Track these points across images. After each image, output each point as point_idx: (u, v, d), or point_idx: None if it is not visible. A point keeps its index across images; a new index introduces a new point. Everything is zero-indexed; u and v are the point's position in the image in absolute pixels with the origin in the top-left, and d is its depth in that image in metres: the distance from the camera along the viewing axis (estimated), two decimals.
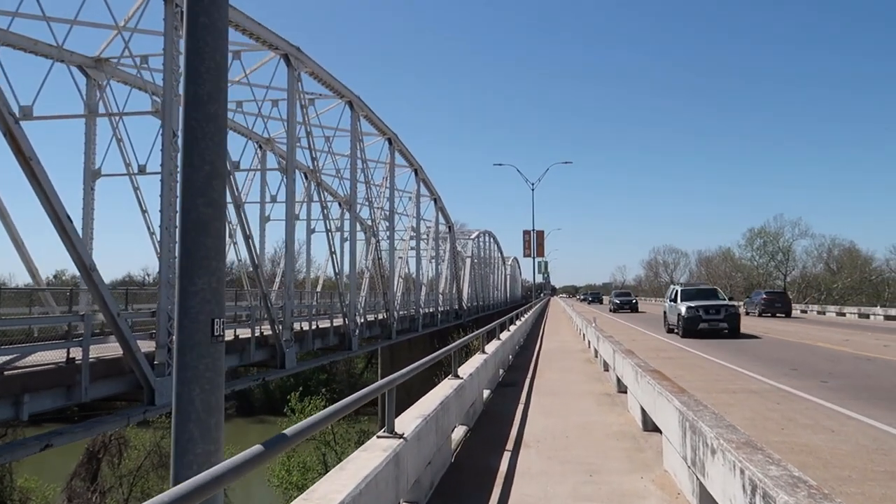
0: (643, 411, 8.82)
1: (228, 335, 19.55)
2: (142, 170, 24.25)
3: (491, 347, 13.28)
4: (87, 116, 20.56)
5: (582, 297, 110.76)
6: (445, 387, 7.62)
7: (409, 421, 5.55)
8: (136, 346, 13.99)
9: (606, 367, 15.22)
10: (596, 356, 18.45)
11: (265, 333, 21.49)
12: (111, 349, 14.55)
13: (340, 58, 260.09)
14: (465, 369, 9.53)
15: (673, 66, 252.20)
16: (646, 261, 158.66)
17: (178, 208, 14.38)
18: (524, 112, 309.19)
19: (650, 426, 8.71)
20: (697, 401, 6.18)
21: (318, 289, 46.43)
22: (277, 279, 38.09)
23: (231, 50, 22.67)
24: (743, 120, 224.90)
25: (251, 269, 24.05)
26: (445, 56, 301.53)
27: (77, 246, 12.31)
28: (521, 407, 11.02)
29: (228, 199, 20.55)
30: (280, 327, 21.54)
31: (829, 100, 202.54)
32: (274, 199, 31.84)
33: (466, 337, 9.44)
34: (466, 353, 19.16)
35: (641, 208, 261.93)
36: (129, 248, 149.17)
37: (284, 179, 23.17)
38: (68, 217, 12.12)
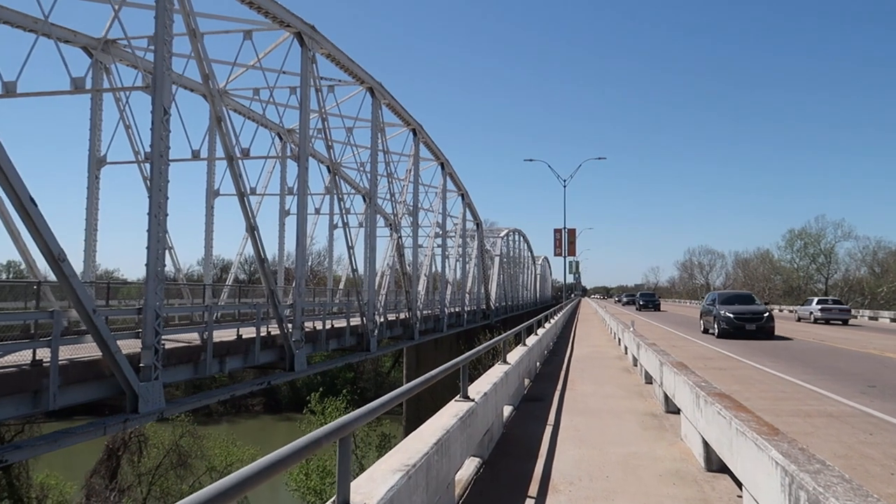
0: (706, 445, 6.89)
1: (229, 334, 18.03)
2: (149, 157, 23.04)
3: (514, 356, 11.40)
4: (90, 93, 19.11)
5: (618, 298, 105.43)
6: (448, 415, 5.79)
7: (381, 478, 3.75)
8: (116, 347, 12.42)
9: (649, 380, 13.25)
10: (635, 365, 16.45)
11: (273, 333, 19.93)
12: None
13: (361, 51, 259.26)
14: (480, 387, 7.68)
15: (713, 69, 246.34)
16: (680, 262, 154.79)
17: (167, 194, 12.77)
18: (556, 113, 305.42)
19: (716, 465, 6.79)
20: (805, 449, 4.27)
21: (341, 286, 44.97)
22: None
23: (241, 29, 21.18)
24: (785, 122, 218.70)
25: (271, 263, 22.49)
26: (474, 52, 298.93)
27: (43, 232, 10.76)
28: (548, 430, 9.13)
29: (233, 189, 19.08)
30: (290, 327, 19.94)
31: (873, 101, 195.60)
32: (292, 192, 30.31)
33: (475, 350, 7.54)
34: (493, 356, 17.35)
35: (676, 209, 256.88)
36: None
37: (299, 168, 21.47)
38: (31, 200, 10.58)
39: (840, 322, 38.19)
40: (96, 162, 22.01)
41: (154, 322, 13.62)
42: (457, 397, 6.69)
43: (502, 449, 8.10)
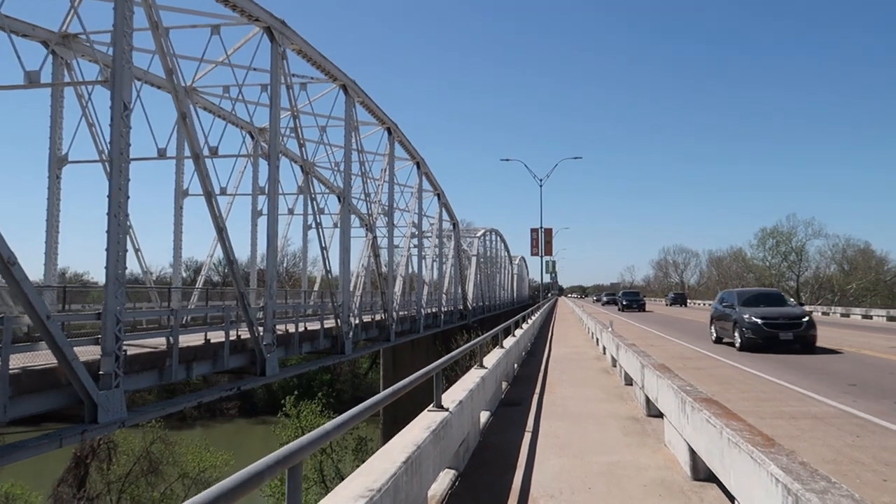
0: (692, 452, 6.55)
1: (198, 339, 17.41)
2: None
3: (492, 359, 11.01)
4: (45, 87, 18.35)
5: (596, 297, 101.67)
6: (419, 427, 5.36)
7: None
8: (73, 354, 11.79)
9: (629, 381, 12.94)
10: (614, 365, 16.16)
11: (243, 337, 19.34)
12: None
13: (332, 45, 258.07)
14: (455, 394, 7.26)
15: (683, 67, 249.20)
16: (655, 261, 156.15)
17: (129, 193, 12.16)
18: (531, 112, 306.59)
19: (703, 473, 6.44)
20: (806, 464, 3.92)
21: (316, 288, 44.26)
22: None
23: (208, 24, 20.54)
24: (754, 120, 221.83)
25: (243, 264, 21.83)
26: (448, 53, 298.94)
27: None
28: (527, 438, 8.74)
29: (199, 188, 18.45)
30: (260, 330, 19.36)
31: (841, 101, 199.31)
32: (263, 192, 29.62)
33: (448, 356, 7.10)
34: (470, 357, 16.84)
35: (651, 208, 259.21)
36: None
37: (269, 166, 20.86)
38: None
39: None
40: (57, 161, 21.19)
41: (115, 327, 12.99)
42: (430, 406, 6.26)
43: (479, 459, 7.69)
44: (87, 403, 12.39)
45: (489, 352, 14.99)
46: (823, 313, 50.61)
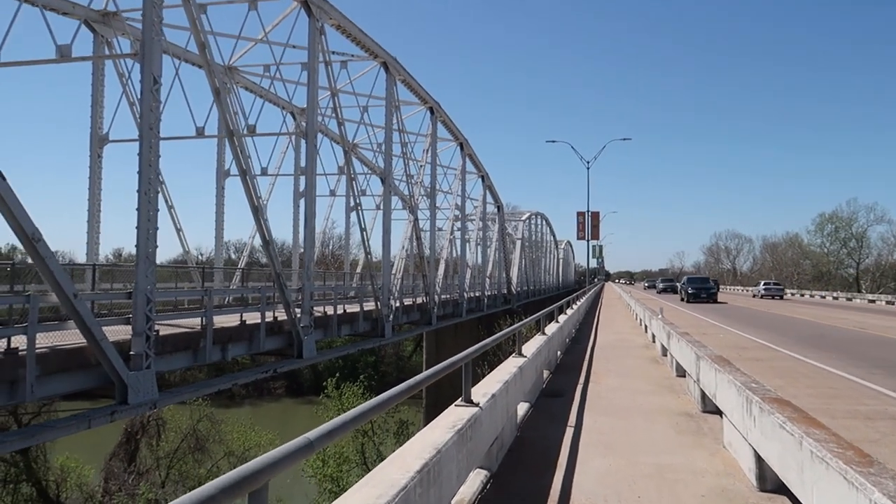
0: (758, 459, 5.72)
1: (233, 320, 17.12)
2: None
3: (532, 347, 10.26)
4: (76, 61, 18.11)
5: (649, 283, 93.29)
6: (443, 427, 4.68)
7: None
8: (102, 334, 11.49)
9: (680, 372, 12.04)
10: (664, 355, 15.23)
11: (280, 319, 19.00)
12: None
13: (372, 22, 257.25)
14: (488, 387, 6.55)
15: (741, 50, 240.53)
16: (706, 246, 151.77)
17: (159, 170, 11.77)
18: (578, 92, 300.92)
19: (772, 484, 5.61)
20: None
21: (358, 270, 44.05)
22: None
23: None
24: (816, 102, 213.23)
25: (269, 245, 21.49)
26: (494, 31, 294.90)
27: (14, 209, 9.81)
28: (569, 434, 8.00)
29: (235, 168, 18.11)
30: (298, 312, 18.99)
31: None
32: (304, 172, 29.27)
33: (479, 345, 6.34)
34: (512, 342, 16.04)
35: (702, 193, 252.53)
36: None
37: (307, 145, 20.42)
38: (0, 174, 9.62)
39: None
40: (98, 140, 21.16)
41: (145, 307, 12.69)
42: (457, 401, 5.57)
43: (515, 457, 6.99)
44: (117, 384, 12.13)
45: (531, 338, 14.25)
46: (888, 302, 48.07)
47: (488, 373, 9.12)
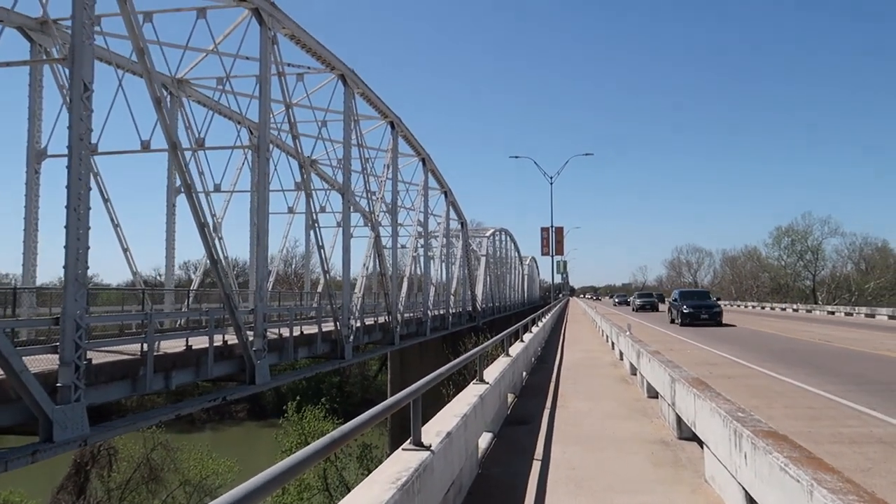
0: (750, 501, 5.01)
1: (178, 345, 16.03)
2: (93, 150, 20.90)
3: (495, 371, 9.49)
4: (6, 66, 16.96)
5: (618, 298, 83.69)
6: (383, 480, 3.85)
7: None
8: (21, 365, 10.40)
9: (652, 393, 11.40)
10: (633, 373, 14.61)
11: (231, 343, 17.93)
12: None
13: (333, 41, 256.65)
14: (443, 423, 5.73)
15: (697, 63, 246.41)
16: (668, 260, 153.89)
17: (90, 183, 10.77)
18: (541, 108, 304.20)
19: None
20: None
21: (319, 289, 42.91)
22: (271, 279, 34.56)
23: (193, 7, 19.22)
24: (771, 117, 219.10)
25: (243, 266, 20.42)
26: (454, 46, 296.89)
27: None
28: (536, 469, 7.21)
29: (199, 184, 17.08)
30: (249, 335, 17.95)
31: (859, 97, 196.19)
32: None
33: (431, 377, 5.47)
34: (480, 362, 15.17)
35: (663, 207, 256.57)
36: (138, 248, 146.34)
37: (258, 159, 19.48)
38: None
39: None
40: (36, 155, 19.92)
41: (74, 334, 11.60)
42: (405, 444, 4.75)
43: (476, 500, 6.18)
44: (40, 420, 11.00)
45: (496, 357, 13.50)
46: (847, 314, 48.64)
47: (453, 395, 8.38)
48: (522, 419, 10.18)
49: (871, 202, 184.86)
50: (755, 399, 10.75)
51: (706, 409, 6.38)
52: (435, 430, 5.28)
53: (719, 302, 38.52)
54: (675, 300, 34.87)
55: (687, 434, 8.30)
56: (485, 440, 8.06)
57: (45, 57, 19.86)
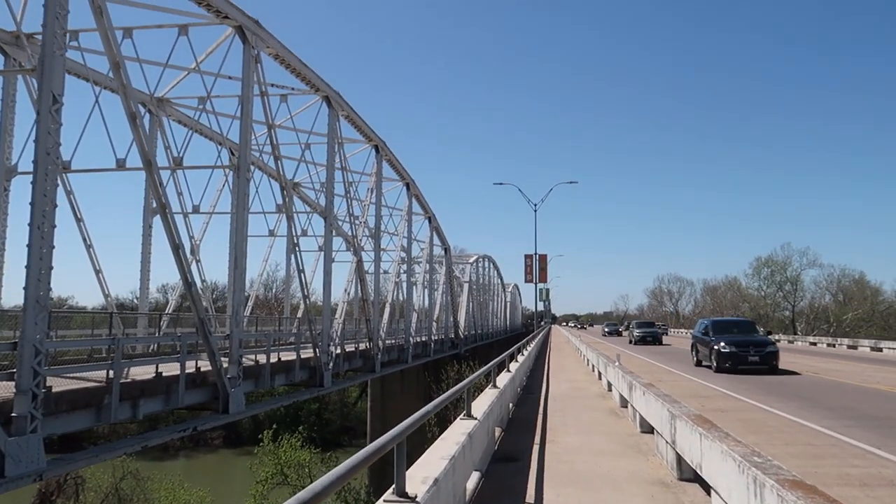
0: None
1: (149, 371, 15.26)
2: (66, 167, 20.22)
3: (483, 405, 8.92)
4: None
5: (609, 327, 77.11)
6: None
7: None
8: None
9: (646, 427, 10.87)
10: (624, 406, 14.08)
11: (204, 369, 17.16)
12: None
13: (318, 63, 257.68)
14: (430, 467, 5.15)
15: (677, 94, 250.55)
16: (650, 289, 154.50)
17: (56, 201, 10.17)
18: (525, 136, 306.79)
19: None
20: None
21: (299, 315, 42.03)
22: (249, 304, 33.72)
23: (175, 24, 18.76)
24: (751, 150, 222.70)
25: (222, 290, 19.74)
26: (439, 74, 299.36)
27: None
28: None
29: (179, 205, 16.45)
30: (224, 362, 17.20)
31: (838, 132, 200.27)
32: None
33: (410, 421, 4.81)
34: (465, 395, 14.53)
35: (645, 236, 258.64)
36: (116, 269, 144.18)
37: (238, 180, 18.91)
38: None
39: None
40: (5, 171, 19.17)
41: (33, 360, 10.84)
42: (387, 494, 4.16)
43: None
44: None
45: (482, 387, 12.93)
46: (829, 345, 48.65)
47: (436, 426, 7.80)
48: (511, 455, 9.58)
49: (848, 235, 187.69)
50: (753, 435, 10.28)
51: (716, 450, 5.86)
52: (421, 476, 4.70)
53: (771, 336, 31.60)
54: (705, 334, 24.76)
55: (688, 475, 7.78)
56: (472, 480, 7.46)
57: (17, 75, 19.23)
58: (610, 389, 17.45)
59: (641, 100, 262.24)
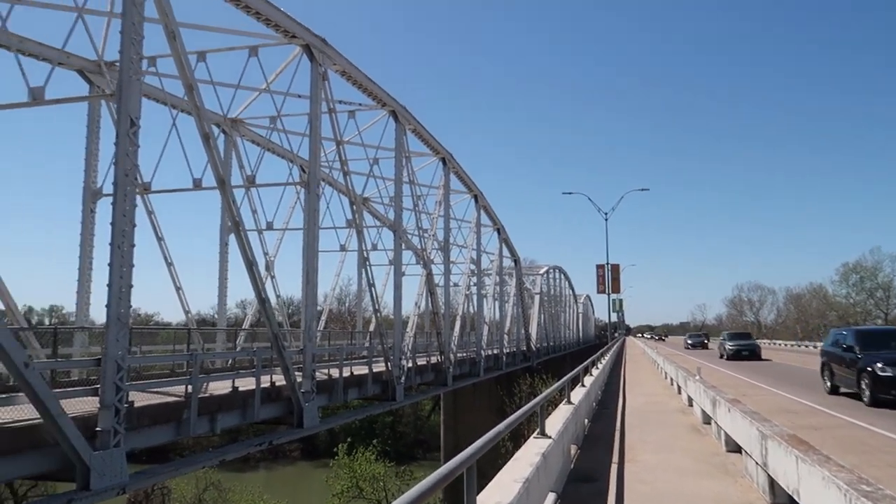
0: None
1: (225, 387, 15.57)
2: (146, 188, 21.06)
3: (558, 422, 8.56)
4: (48, 104, 17.17)
5: (693, 339, 68.27)
6: None
7: None
8: (58, 409, 10.00)
9: (732, 446, 10.22)
10: (706, 422, 13.37)
11: (279, 384, 17.41)
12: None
13: (384, 75, 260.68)
14: (503, 492, 4.87)
15: (760, 98, 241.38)
16: (728, 298, 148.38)
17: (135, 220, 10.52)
18: (595, 144, 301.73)
19: None
20: None
21: (371, 328, 42.46)
22: (322, 318, 34.29)
23: (245, 45, 19.29)
24: (833, 154, 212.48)
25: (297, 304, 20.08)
26: (509, 77, 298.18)
27: None
28: None
29: (251, 222, 16.88)
30: (298, 376, 17.40)
31: None
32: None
33: (478, 444, 4.51)
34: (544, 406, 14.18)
35: (722, 244, 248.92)
36: (198, 285, 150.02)
37: (308, 197, 19.20)
38: None
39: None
40: (91, 194, 20.10)
41: (115, 375, 11.19)
42: None
43: None
44: (77, 467, 10.54)
45: (557, 402, 12.53)
46: None
47: (511, 448, 7.54)
48: (588, 475, 9.16)
49: None
50: (852, 456, 9.51)
51: (816, 476, 5.35)
52: (493, 502, 4.44)
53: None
54: (847, 349, 18.06)
55: (782, 500, 7.19)
56: (548, 502, 7.13)
57: (103, 99, 20.20)
58: (691, 404, 16.67)
59: (713, 106, 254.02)
